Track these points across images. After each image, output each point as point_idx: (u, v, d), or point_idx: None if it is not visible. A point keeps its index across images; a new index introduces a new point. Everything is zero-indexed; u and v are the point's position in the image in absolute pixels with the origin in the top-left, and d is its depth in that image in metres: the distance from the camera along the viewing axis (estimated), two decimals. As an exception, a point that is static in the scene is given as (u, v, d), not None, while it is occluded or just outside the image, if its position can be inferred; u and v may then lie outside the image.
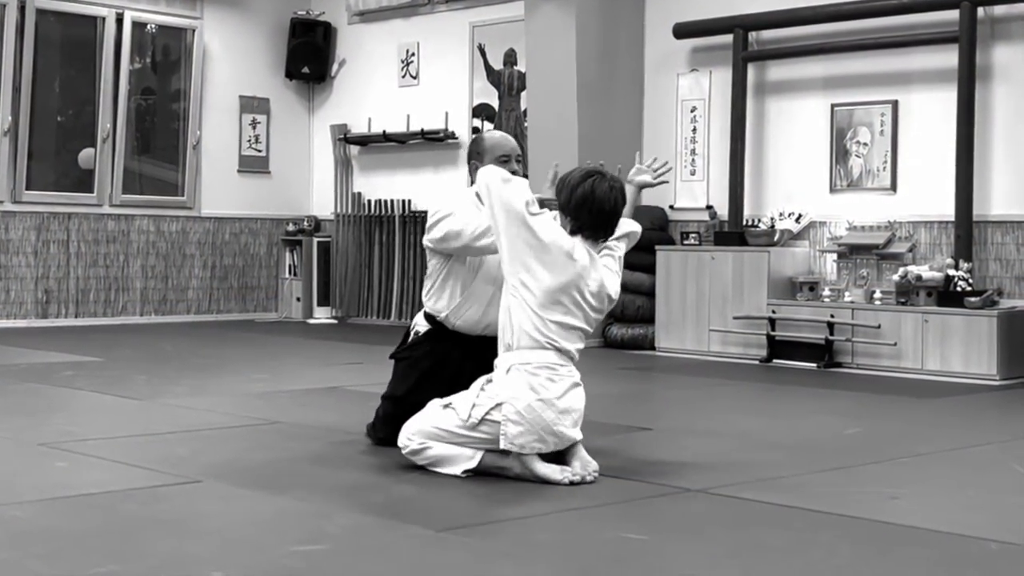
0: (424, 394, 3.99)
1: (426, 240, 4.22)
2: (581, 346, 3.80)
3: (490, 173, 3.82)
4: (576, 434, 3.71)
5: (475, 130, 9.60)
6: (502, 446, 3.63)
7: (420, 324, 4.31)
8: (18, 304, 9.23)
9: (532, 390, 3.62)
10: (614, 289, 3.88)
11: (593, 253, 3.80)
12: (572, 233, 3.78)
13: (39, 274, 9.31)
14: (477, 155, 4.27)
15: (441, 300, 4.22)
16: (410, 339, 4.31)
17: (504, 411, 3.63)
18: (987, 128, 7.05)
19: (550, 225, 3.75)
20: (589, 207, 3.75)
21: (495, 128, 9.44)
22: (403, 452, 3.81)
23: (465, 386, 3.83)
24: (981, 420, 5.35)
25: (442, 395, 3.87)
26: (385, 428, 4.19)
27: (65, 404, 5.26)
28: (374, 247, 10.22)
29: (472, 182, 4.18)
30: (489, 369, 3.80)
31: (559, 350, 3.69)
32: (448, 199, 4.28)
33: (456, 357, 4.18)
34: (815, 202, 7.72)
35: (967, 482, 3.90)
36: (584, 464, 3.69)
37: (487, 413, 3.66)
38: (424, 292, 4.32)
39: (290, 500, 3.41)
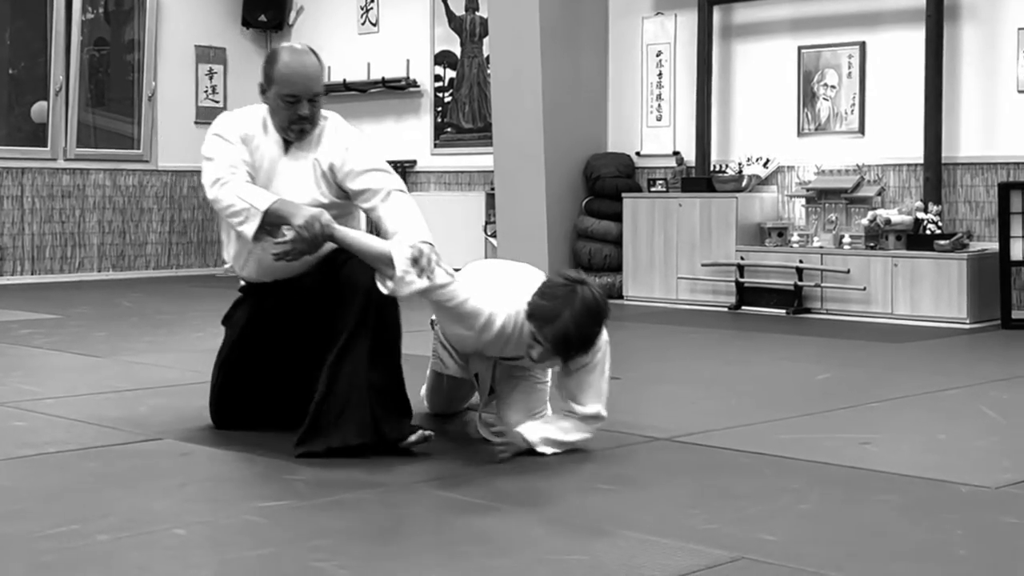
0: (246, 366, 3.61)
1: None
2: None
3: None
4: None
5: (437, 78, 9.47)
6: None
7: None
8: (-28, 262, 9.09)
9: None
10: None
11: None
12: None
13: (-7, 231, 9.16)
14: (267, 80, 3.50)
15: (228, 248, 3.65)
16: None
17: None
18: (955, 69, 7.01)
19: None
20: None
21: (457, 77, 9.32)
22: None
23: (292, 341, 3.53)
24: (951, 364, 5.36)
25: (264, 362, 3.58)
26: (219, 415, 3.69)
27: (22, 363, 5.17)
28: (336, 199, 10.10)
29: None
30: (313, 314, 3.51)
31: None
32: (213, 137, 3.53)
33: (269, 309, 3.62)
34: (783, 146, 7.67)
35: (938, 426, 3.91)
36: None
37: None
38: None
39: (253, 456, 3.36)
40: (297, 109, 3.42)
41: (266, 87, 3.48)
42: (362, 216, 3.66)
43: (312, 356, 3.44)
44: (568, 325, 3.17)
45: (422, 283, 3.18)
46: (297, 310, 3.54)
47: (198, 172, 11.33)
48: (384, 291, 3.23)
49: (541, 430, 3.34)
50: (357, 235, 3.37)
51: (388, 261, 3.21)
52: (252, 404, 3.66)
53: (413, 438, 3.32)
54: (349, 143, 3.51)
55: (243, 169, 3.44)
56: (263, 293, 3.63)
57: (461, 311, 3.28)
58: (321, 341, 3.40)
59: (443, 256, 3.30)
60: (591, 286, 3.24)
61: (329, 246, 3.36)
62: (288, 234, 3.28)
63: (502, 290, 3.36)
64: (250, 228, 3.33)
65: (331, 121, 3.56)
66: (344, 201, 3.51)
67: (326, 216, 3.31)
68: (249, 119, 3.54)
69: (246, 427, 3.63)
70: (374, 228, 3.53)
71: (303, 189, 3.46)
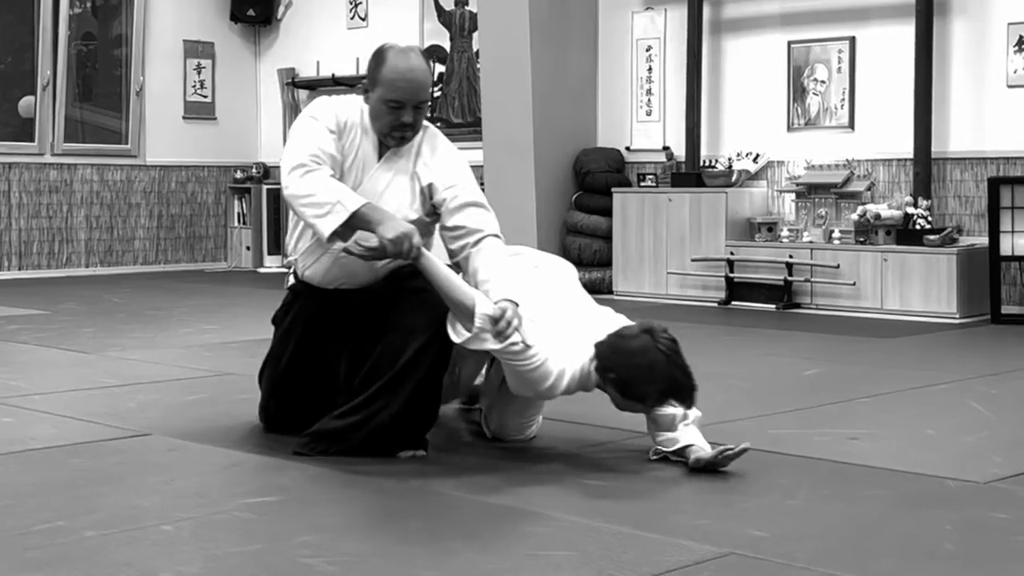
0: (302, 376, 3.44)
1: None
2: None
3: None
4: None
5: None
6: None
7: (291, 277, 3.57)
8: (-41, 257, 9.05)
9: None
10: None
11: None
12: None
13: (-20, 226, 9.13)
14: (371, 82, 3.26)
15: (299, 240, 3.45)
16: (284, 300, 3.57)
17: None
18: (945, 64, 7.01)
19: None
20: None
21: (447, 71, 9.29)
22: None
23: (348, 349, 3.34)
24: (940, 359, 5.36)
25: (320, 371, 3.39)
26: (271, 423, 3.57)
27: (10, 359, 5.15)
28: (326, 194, 10.07)
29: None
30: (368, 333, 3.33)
31: None
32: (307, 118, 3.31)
33: (326, 315, 3.41)
34: (772, 141, 7.67)
35: (927, 421, 3.91)
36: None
37: None
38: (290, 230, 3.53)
39: (241, 453, 3.34)
40: (400, 116, 3.21)
41: (369, 88, 3.25)
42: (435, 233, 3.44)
43: (365, 362, 3.28)
44: (679, 380, 3.15)
45: (494, 344, 3.07)
46: (354, 318, 3.35)
47: (186, 167, 11.20)
48: (455, 339, 3.10)
49: (695, 436, 3.28)
50: (445, 272, 3.14)
51: (468, 313, 3.06)
52: (305, 410, 3.45)
53: (403, 455, 3.27)
54: (450, 165, 3.33)
55: (328, 163, 3.20)
56: (318, 297, 3.43)
57: (530, 376, 3.15)
58: (378, 347, 3.24)
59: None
60: (655, 327, 3.19)
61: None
62: (372, 240, 3.08)
63: (568, 338, 3.22)
64: (330, 225, 3.08)
65: (429, 133, 3.36)
66: (430, 220, 3.33)
67: (418, 237, 3.09)
68: (352, 109, 3.31)
69: (295, 432, 3.42)
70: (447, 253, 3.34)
71: (396, 200, 3.26)
